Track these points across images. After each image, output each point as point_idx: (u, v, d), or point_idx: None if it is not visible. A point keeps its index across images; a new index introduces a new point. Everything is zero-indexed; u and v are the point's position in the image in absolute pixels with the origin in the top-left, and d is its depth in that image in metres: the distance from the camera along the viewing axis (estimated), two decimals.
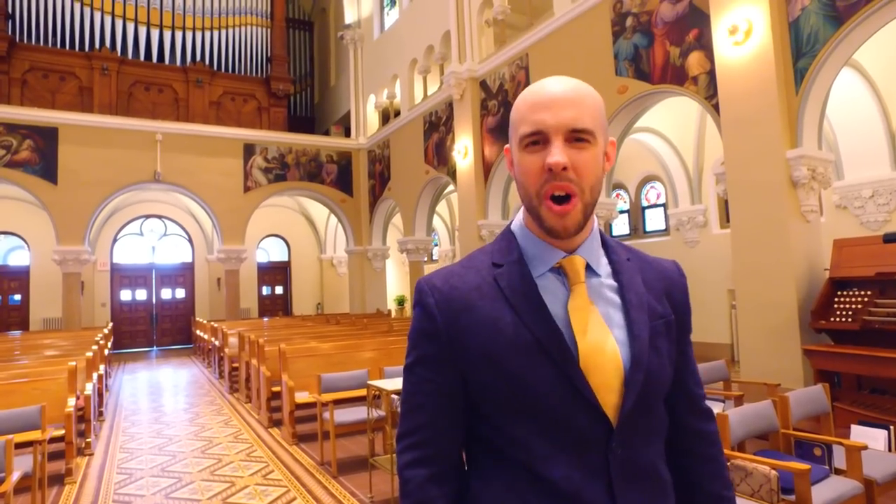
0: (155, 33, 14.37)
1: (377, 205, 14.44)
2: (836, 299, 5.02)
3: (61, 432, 4.15)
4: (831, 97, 7.09)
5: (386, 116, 14.44)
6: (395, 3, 14.08)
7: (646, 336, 0.85)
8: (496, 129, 9.80)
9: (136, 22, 14.17)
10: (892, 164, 7.01)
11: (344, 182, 14.72)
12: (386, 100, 14.17)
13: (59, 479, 4.23)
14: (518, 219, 0.93)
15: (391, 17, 14.32)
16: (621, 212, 11.24)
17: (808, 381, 4.86)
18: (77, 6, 13.48)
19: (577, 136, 0.82)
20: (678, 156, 9.51)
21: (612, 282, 0.89)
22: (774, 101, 5.44)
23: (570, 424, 0.80)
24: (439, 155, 11.58)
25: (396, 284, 17.84)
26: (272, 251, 17.46)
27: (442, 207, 16.60)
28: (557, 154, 0.80)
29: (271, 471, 4.40)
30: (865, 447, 2.58)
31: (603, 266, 0.90)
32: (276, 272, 17.35)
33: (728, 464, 2.55)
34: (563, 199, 0.82)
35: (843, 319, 4.80)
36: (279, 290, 17.30)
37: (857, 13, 4.95)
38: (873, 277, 4.80)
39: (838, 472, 2.69)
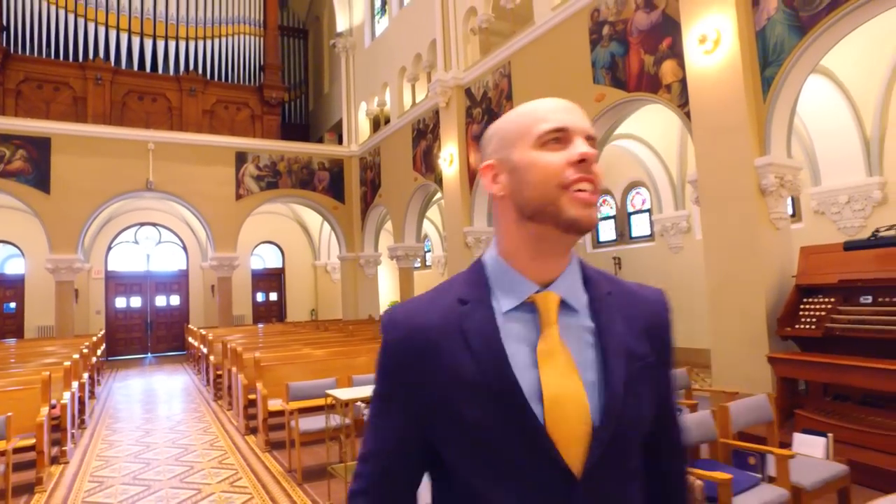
0: (148, 43, 14.53)
1: (369, 211, 14.53)
2: (802, 306, 5.06)
3: (31, 441, 4.23)
4: (807, 105, 7.20)
5: (377, 124, 14.55)
6: (385, 11, 14.20)
7: (621, 385, 0.79)
8: (480, 136, 9.86)
9: (130, 32, 14.33)
10: (867, 171, 7.05)
11: (336, 189, 14.82)
12: (377, 107, 14.29)
13: (29, 489, 4.31)
14: (491, 250, 0.87)
15: (381, 25, 14.45)
16: (608, 217, 11.29)
17: (774, 389, 4.90)
18: (71, 17, 13.65)
19: (590, 142, 0.80)
20: (662, 162, 9.57)
21: (589, 322, 0.82)
22: (743, 110, 5.50)
23: (530, 478, 0.76)
24: (427, 162, 11.67)
25: (389, 290, 17.92)
26: (267, 258, 17.57)
27: (434, 214, 16.68)
28: (585, 147, 0.78)
29: (239, 478, 4.46)
30: (793, 455, 2.63)
31: (581, 302, 0.83)
32: (271, 279, 17.45)
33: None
34: (587, 191, 0.78)
35: (807, 327, 4.84)
36: (274, 296, 17.39)
37: (819, 22, 5.02)
38: (836, 284, 4.85)
39: (773, 479, 2.74)
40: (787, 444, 3.26)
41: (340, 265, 15.73)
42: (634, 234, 10.64)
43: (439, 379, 0.79)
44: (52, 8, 13.45)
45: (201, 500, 3.98)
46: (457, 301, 0.82)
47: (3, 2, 12.91)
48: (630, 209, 10.74)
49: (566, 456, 0.75)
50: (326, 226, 16.13)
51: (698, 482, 2.44)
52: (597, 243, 11.53)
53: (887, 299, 4.54)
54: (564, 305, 0.81)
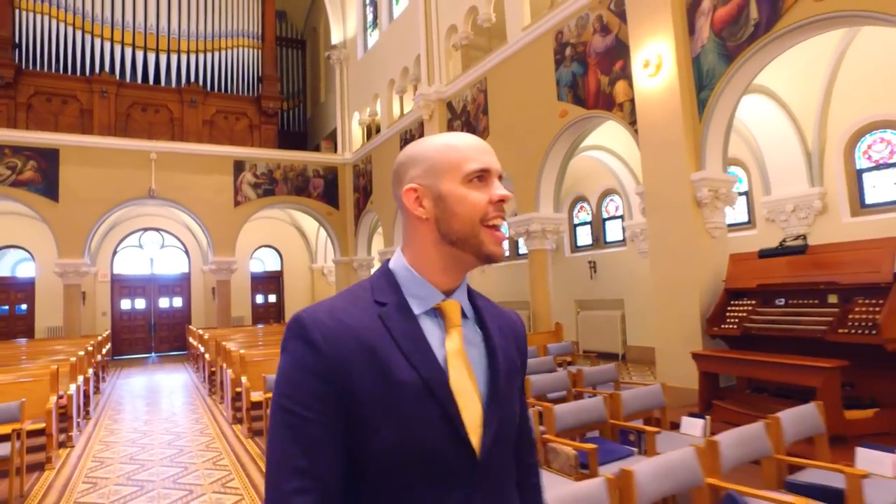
0: (151, 57, 15.22)
1: (361, 217, 15.13)
2: (729, 308, 5.62)
3: (42, 425, 4.86)
4: (755, 120, 7.77)
5: (370, 132, 15.18)
6: (376, 25, 14.82)
7: (503, 379, 0.92)
8: None
9: (134, 46, 15.03)
10: (809, 182, 7.59)
11: (330, 195, 15.44)
12: (368, 117, 14.92)
13: (40, 467, 4.94)
14: (398, 259, 0.94)
15: (373, 38, 15.06)
16: (585, 223, 11.85)
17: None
18: (78, 33, 14.36)
19: (500, 179, 0.93)
20: (631, 172, 10.12)
21: (476, 327, 0.95)
22: (680, 129, 6.07)
23: (444, 460, 0.84)
24: None
25: None
26: (266, 261, 18.23)
27: None
28: (502, 189, 0.91)
29: (232, 479, 5.07)
30: (659, 432, 3.21)
31: (470, 311, 0.96)
32: (270, 281, 18.11)
33: (546, 446, 3.20)
34: (500, 229, 0.91)
35: (731, 326, 5.41)
36: (272, 298, 18.05)
37: (742, 52, 5.59)
38: (756, 288, 5.41)
39: (646, 452, 3.31)
40: (677, 426, 3.84)
41: (335, 268, 16.34)
42: (609, 238, 11.19)
43: (371, 371, 0.82)
44: (61, 25, 14.16)
45: (187, 475, 4.59)
46: (374, 302, 0.88)
47: (15, 20, 13.61)
48: (605, 215, 11.29)
49: (471, 439, 0.86)
50: (322, 230, 16.75)
51: (573, 452, 3.03)
52: (574, 248, 12.08)
53: (797, 301, 5.10)
54: (462, 313, 0.93)
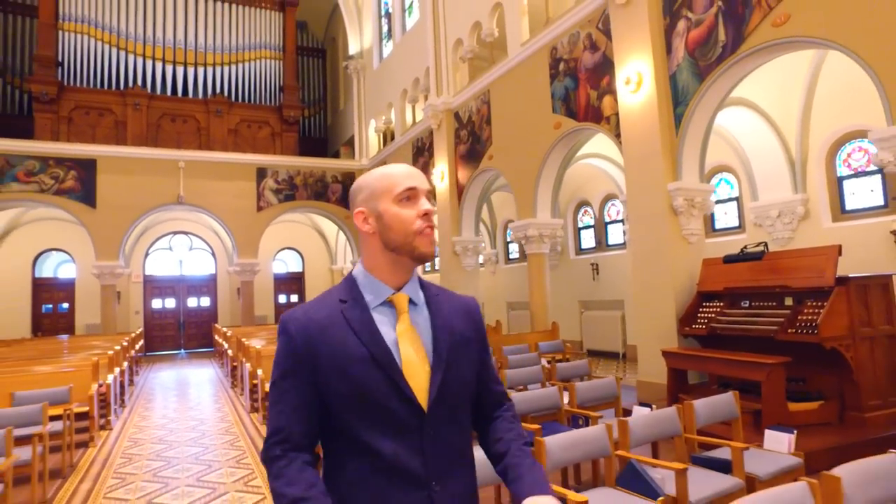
0: (180, 70, 16.15)
1: None
2: (701, 309, 6.08)
3: (85, 409, 5.61)
4: (741, 129, 8.14)
5: (386, 139, 15.83)
6: (390, 36, 15.46)
7: (445, 349, 1.17)
8: (466, 155, 11.03)
9: (164, 61, 15.98)
10: (793, 188, 7.94)
11: (348, 200, 16.14)
12: (384, 124, 15.59)
13: (84, 444, 5.69)
14: (358, 267, 1.22)
15: (387, 49, 15.70)
16: (588, 227, 12.29)
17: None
18: (114, 50, 15.36)
19: (429, 196, 1.19)
20: None
21: (426, 311, 1.21)
22: (658, 141, 6.53)
23: (394, 414, 1.10)
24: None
25: None
26: (289, 262, 19.08)
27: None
28: (428, 203, 1.17)
29: (254, 478, 5.75)
30: (601, 416, 3.75)
31: (421, 300, 1.22)
32: (292, 282, 18.94)
33: None
34: (429, 233, 1.17)
35: (700, 326, 5.87)
36: (294, 297, 18.88)
37: (713, 71, 6.03)
38: (723, 291, 5.85)
39: None
40: (629, 413, 4.34)
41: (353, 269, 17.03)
42: (610, 242, 11.62)
43: (331, 350, 1.10)
44: (98, 43, 15.17)
45: (207, 454, 5.28)
46: (338, 301, 1.17)
47: (58, 41, 14.66)
48: (606, 219, 11.73)
49: (418, 396, 1.11)
50: (341, 233, 17.48)
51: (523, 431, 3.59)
52: (579, 250, 12.53)
53: (759, 303, 5.54)
54: (410, 301, 1.19)
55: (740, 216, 9.07)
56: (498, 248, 15.58)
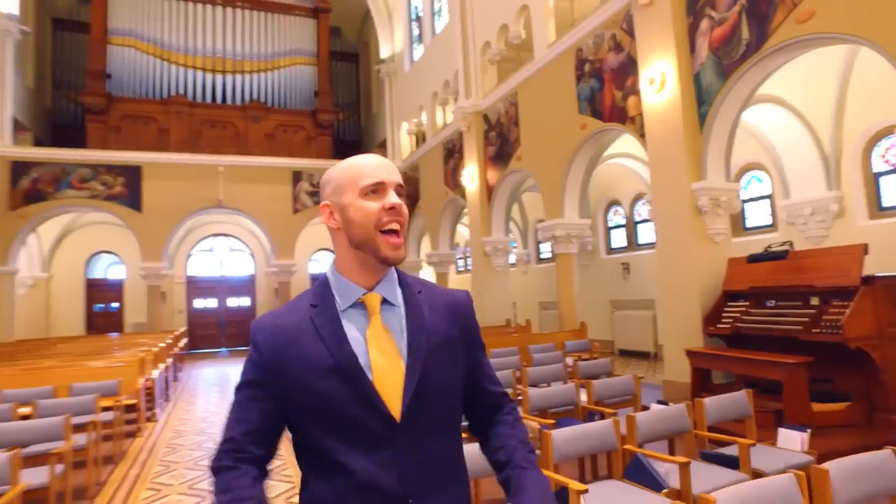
0: (219, 78, 16.79)
1: (410, 222, 15.99)
2: (726, 309, 6.06)
3: (133, 401, 6.01)
4: (771, 126, 8.03)
5: (418, 141, 16.07)
6: (420, 40, 15.70)
7: (421, 352, 1.06)
8: (495, 156, 11.16)
9: (204, 70, 16.64)
10: (827, 185, 7.79)
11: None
12: (415, 127, 15.84)
13: (132, 434, 6.10)
14: (331, 267, 1.14)
15: (418, 52, 15.94)
16: (619, 226, 12.25)
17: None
18: (157, 62, 16.10)
19: (399, 190, 1.09)
20: None
21: (403, 311, 1.10)
22: (681, 141, 6.53)
23: (364, 426, 1.01)
24: (455, 179, 12.98)
25: None
26: (324, 263, 19.54)
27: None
28: (396, 198, 1.08)
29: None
30: (616, 414, 3.85)
31: (399, 298, 1.11)
32: None
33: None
34: (396, 233, 1.07)
35: (724, 326, 5.86)
36: None
37: (737, 70, 6.01)
38: (748, 290, 5.83)
39: None
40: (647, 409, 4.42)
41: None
42: (641, 241, 11.56)
43: (298, 359, 1.03)
44: (142, 55, 15.94)
45: None
46: (309, 306, 1.09)
47: (107, 54, 15.48)
48: (637, 218, 11.67)
49: (390, 405, 1.02)
50: None
51: (537, 426, 3.72)
52: (609, 250, 12.49)
53: (784, 303, 5.50)
54: (386, 301, 1.09)
55: (772, 214, 8.92)
56: (529, 248, 15.64)
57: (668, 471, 2.83)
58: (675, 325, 6.63)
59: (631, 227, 11.80)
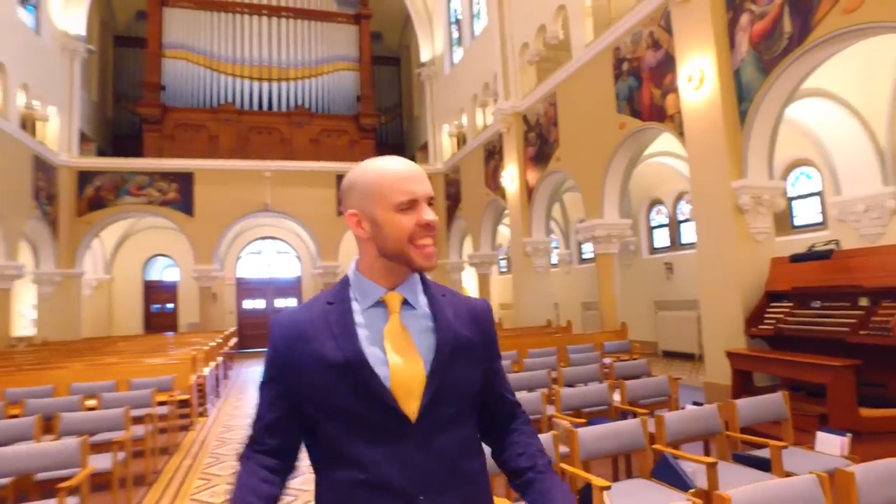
0: (265, 86, 17.40)
1: (452, 223, 16.17)
2: (769, 310, 5.91)
3: (186, 396, 6.35)
4: (820, 121, 7.80)
5: (459, 143, 16.18)
6: (460, 42, 15.82)
7: (447, 352, 1.08)
8: (535, 157, 11.15)
9: (251, 79, 17.28)
10: (882, 181, 7.46)
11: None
12: (456, 129, 15.97)
13: (185, 428, 6.45)
14: (352, 267, 1.15)
15: (457, 54, 16.07)
16: (662, 226, 12.02)
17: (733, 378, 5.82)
18: (207, 72, 16.83)
19: (431, 202, 1.10)
20: None
21: (427, 312, 1.12)
22: (722, 139, 6.41)
23: (374, 423, 1.03)
24: (496, 180, 13.01)
25: (474, 293, 19.50)
26: None
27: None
28: (430, 213, 1.08)
29: None
30: (650, 414, 3.84)
31: (421, 302, 1.13)
32: None
33: (551, 420, 3.96)
34: (428, 245, 1.08)
35: (766, 327, 5.72)
36: None
37: (778, 64, 5.85)
38: (791, 291, 5.67)
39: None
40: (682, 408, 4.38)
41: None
42: (684, 240, 11.32)
43: (310, 356, 1.06)
44: (194, 67, 16.70)
45: None
46: (325, 304, 1.12)
47: (162, 67, 16.30)
48: (680, 217, 11.43)
49: (405, 405, 1.03)
50: None
51: (569, 424, 3.77)
52: (652, 250, 12.28)
53: (830, 304, 5.33)
54: (406, 304, 1.11)
55: (822, 212, 8.60)
56: (572, 248, 15.52)
57: (695, 471, 2.84)
58: (716, 326, 6.51)
59: (674, 226, 11.57)
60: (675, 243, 11.50)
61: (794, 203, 9.09)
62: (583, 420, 3.71)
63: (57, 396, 5.39)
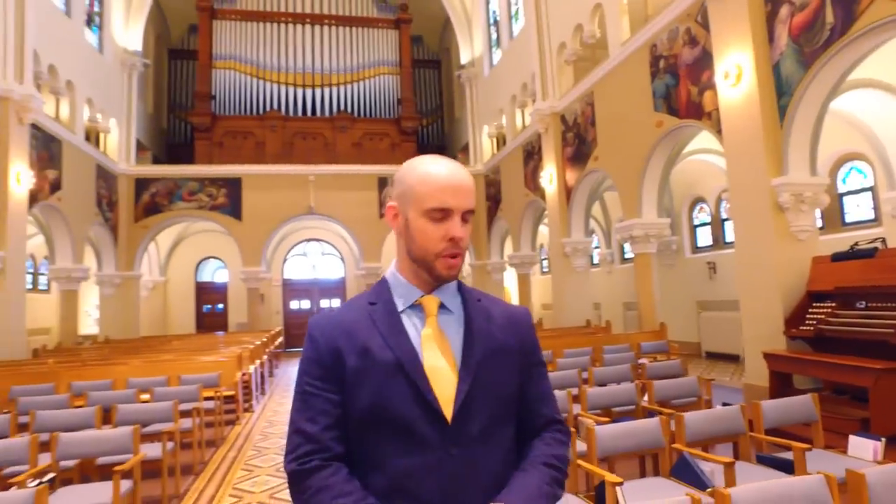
0: (309, 92, 17.94)
1: (493, 224, 16.22)
2: (811, 310, 5.73)
3: (231, 393, 6.69)
4: (872, 113, 7.50)
5: (499, 144, 16.23)
6: (499, 44, 15.87)
7: (479, 357, 1.07)
8: (573, 157, 11.10)
9: (295, 85, 17.85)
10: None
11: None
12: (496, 130, 16.03)
13: (231, 422, 6.79)
14: (391, 267, 1.16)
15: (496, 56, 16.12)
16: (704, 224, 11.74)
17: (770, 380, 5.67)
18: (254, 81, 17.50)
19: (467, 217, 1.08)
20: None
21: (462, 318, 1.12)
22: (760, 136, 6.25)
23: (415, 425, 1.01)
24: (535, 180, 12.99)
25: (515, 293, 19.46)
26: None
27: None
28: (459, 230, 1.06)
29: None
30: (672, 413, 3.83)
31: (457, 306, 1.13)
32: None
33: (577, 419, 4.01)
34: (454, 257, 1.07)
35: (807, 328, 5.55)
36: None
37: (819, 57, 5.67)
38: (833, 291, 5.49)
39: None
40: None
41: (471, 271, 17.65)
42: (728, 239, 11.02)
43: (355, 353, 1.05)
44: (242, 76, 17.42)
45: None
46: (367, 304, 1.12)
47: (212, 78, 17.07)
48: (723, 216, 11.14)
49: (441, 405, 1.02)
50: None
51: (593, 423, 3.81)
52: (695, 249, 12.00)
53: (876, 304, 5.14)
54: (443, 307, 1.11)
55: (875, 208, 8.23)
56: (613, 248, 15.32)
57: (713, 470, 2.85)
58: (755, 327, 6.36)
59: (717, 224, 11.28)
60: (719, 242, 11.21)
61: (844, 199, 8.73)
62: (607, 419, 3.75)
63: (115, 390, 5.79)
